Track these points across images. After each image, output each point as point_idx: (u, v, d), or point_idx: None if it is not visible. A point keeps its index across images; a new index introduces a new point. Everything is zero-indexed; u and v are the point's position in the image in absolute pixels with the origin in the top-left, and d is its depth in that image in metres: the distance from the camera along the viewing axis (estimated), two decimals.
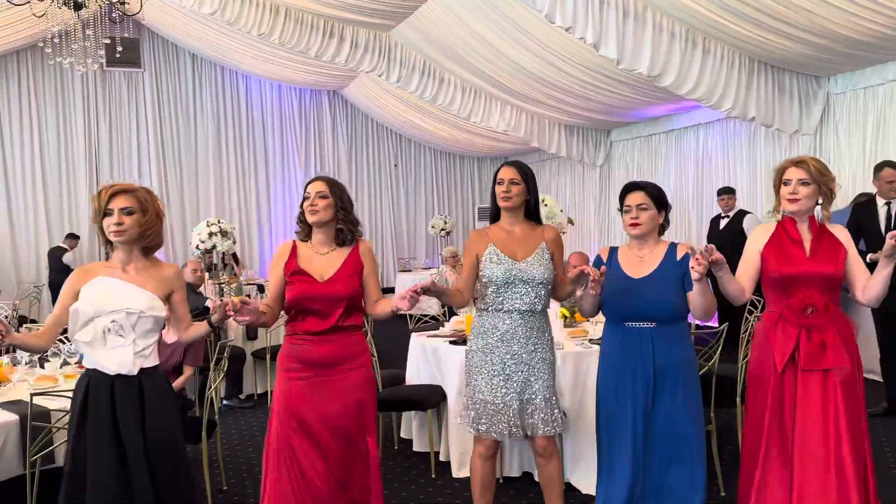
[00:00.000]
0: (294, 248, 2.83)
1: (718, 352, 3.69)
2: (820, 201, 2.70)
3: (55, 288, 9.10)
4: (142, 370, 2.54)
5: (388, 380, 4.55)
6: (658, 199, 2.80)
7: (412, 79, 9.22)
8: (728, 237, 6.87)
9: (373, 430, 2.84)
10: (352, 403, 2.76)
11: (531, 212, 3.00)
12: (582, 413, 3.74)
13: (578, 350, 3.86)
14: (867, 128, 6.88)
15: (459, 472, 4.04)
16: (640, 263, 2.81)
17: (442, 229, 12.24)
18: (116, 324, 2.47)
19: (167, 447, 2.54)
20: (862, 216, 4.84)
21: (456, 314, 5.05)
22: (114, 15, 5.72)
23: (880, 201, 4.84)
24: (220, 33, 9.74)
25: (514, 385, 2.86)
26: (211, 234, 6.64)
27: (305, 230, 2.85)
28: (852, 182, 6.99)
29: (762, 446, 2.64)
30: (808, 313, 2.58)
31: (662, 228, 2.86)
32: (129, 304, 2.49)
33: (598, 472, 2.91)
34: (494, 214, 3.02)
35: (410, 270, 11.52)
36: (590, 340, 4.05)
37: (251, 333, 6.19)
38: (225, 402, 5.80)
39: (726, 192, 7.32)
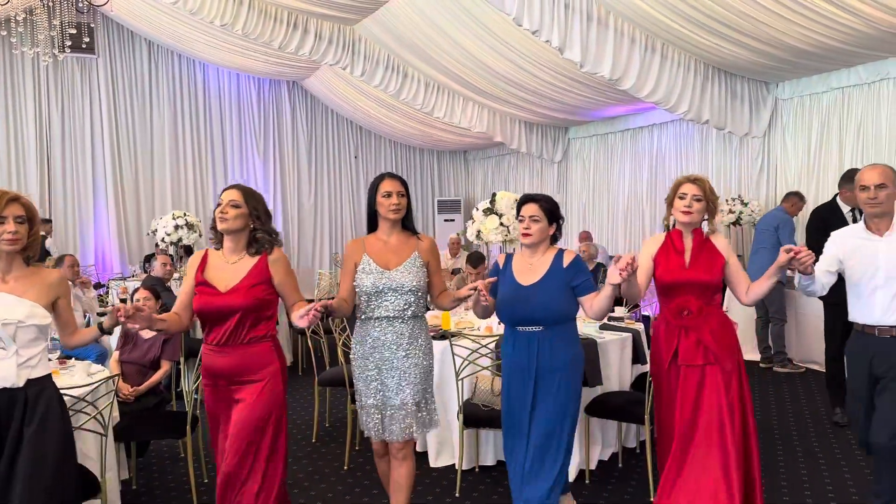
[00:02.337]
0: (205, 258, 2.83)
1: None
2: (705, 217, 3.06)
3: None
4: (29, 381, 2.48)
5: None
6: (550, 212, 3.07)
7: (376, 73, 9.28)
8: None
9: (264, 448, 2.73)
10: (256, 418, 2.71)
11: (407, 222, 3.10)
12: None
13: None
14: (812, 132, 7.30)
15: (437, 461, 4.22)
16: (530, 271, 3.05)
17: None
18: None
19: (47, 461, 2.46)
20: (830, 219, 4.77)
21: (430, 309, 5.20)
22: (80, 5, 5.61)
23: (845, 207, 4.89)
24: (178, 21, 9.58)
25: (388, 390, 2.98)
26: (177, 227, 6.62)
27: (218, 237, 2.85)
28: (797, 183, 7.42)
29: (663, 435, 2.99)
30: (684, 315, 2.91)
31: (554, 238, 3.13)
32: (5, 316, 2.43)
33: (507, 462, 3.16)
34: (372, 224, 3.10)
35: None
36: None
37: None
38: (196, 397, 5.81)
39: None
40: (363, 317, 3.02)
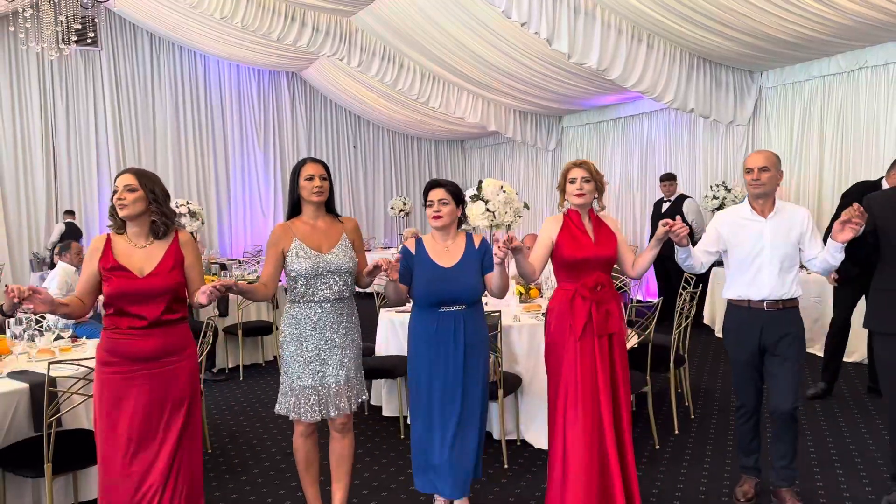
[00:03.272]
0: (108, 242, 2.78)
1: (654, 323, 4.19)
2: (596, 196, 3.25)
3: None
4: None
5: (366, 351, 4.94)
6: (456, 195, 3.22)
7: (372, 64, 9.50)
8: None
9: (196, 426, 2.80)
10: (175, 398, 2.76)
11: (331, 205, 3.16)
12: (535, 377, 4.20)
13: (532, 322, 4.32)
14: (794, 119, 7.52)
15: None
16: (447, 253, 3.17)
17: (401, 210, 12.60)
18: None
19: None
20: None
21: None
22: (84, 2, 5.84)
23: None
24: (179, 13, 9.80)
25: (331, 368, 3.04)
26: (180, 215, 6.86)
27: (119, 223, 2.80)
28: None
29: (560, 398, 3.13)
30: (598, 290, 3.11)
31: (460, 221, 3.30)
32: None
33: (412, 440, 3.24)
34: (294, 209, 3.13)
35: (370, 250, 11.85)
36: (542, 314, 4.51)
37: (221, 310, 6.47)
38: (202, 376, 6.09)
39: (668, 179, 7.88)
40: (300, 300, 3.04)
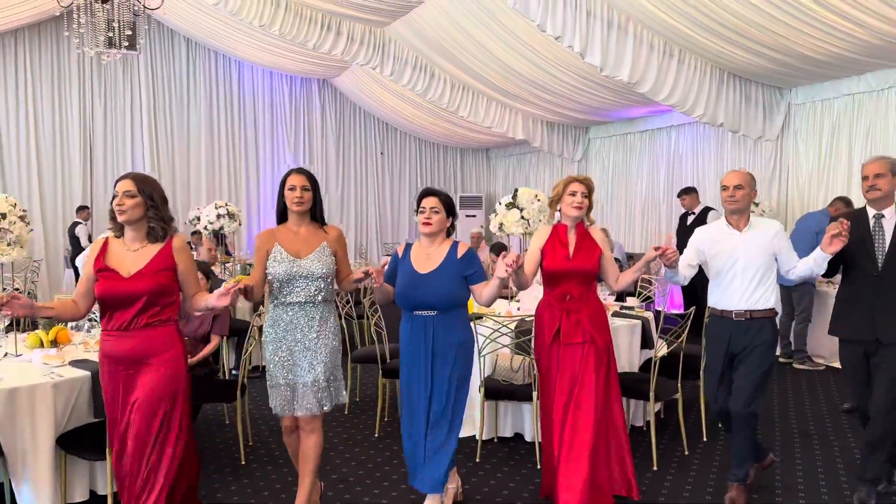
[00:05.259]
0: (105, 245, 2.87)
1: (685, 333, 4.29)
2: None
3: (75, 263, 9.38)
4: None
5: (393, 352, 5.09)
6: (448, 205, 3.36)
7: (404, 73, 9.69)
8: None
9: (173, 431, 2.81)
10: (154, 401, 2.77)
11: (316, 214, 3.27)
12: None
13: None
14: (823, 136, 7.59)
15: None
16: (428, 260, 3.29)
17: None
18: None
19: None
20: None
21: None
22: (136, 8, 6.08)
23: None
24: (217, 20, 10.07)
25: (300, 370, 3.16)
26: (219, 216, 7.08)
27: (118, 227, 2.87)
28: (808, 185, 7.72)
29: (546, 397, 3.40)
30: (567, 299, 3.31)
31: (449, 231, 3.44)
32: None
33: (403, 438, 3.40)
34: (282, 216, 3.28)
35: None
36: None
37: (257, 308, 6.65)
38: (234, 371, 6.27)
39: (685, 193, 7.96)
40: (276, 302, 3.19)
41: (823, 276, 3.52)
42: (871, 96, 7.04)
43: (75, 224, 10.05)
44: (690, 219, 7.94)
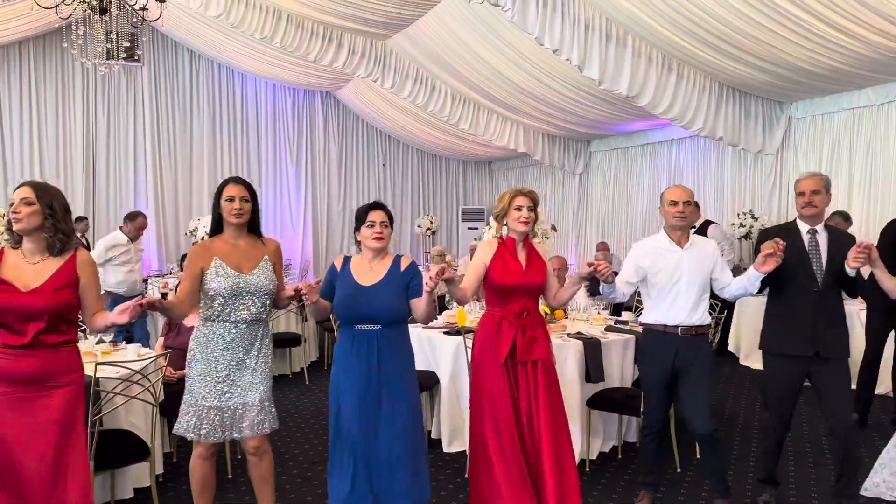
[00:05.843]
0: (1, 256, 2.67)
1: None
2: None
3: None
4: None
5: None
6: (392, 218, 3.23)
7: (405, 85, 9.71)
8: None
9: (75, 455, 2.62)
10: (53, 422, 2.59)
11: (254, 226, 3.13)
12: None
13: (557, 343, 4.38)
14: (823, 150, 7.55)
15: (450, 446, 4.57)
16: (370, 273, 3.12)
17: (428, 229, 12.76)
18: None
19: None
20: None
21: (448, 308, 5.57)
22: (134, 20, 6.11)
23: None
24: (220, 32, 10.12)
25: (239, 389, 3.00)
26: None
27: (15, 237, 2.68)
28: None
29: (483, 420, 3.20)
30: (524, 316, 3.22)
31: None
32: None
33: (329, 465, 3.13)
34: (216, 228, 3.12)
35: None
36: (567, 334, 4.59)
37: None
38: None
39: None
40: (215, 319, 3.01)
41: (756, 293, 3.53)
42: (871, 110, 7.00)
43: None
44: (691, 232, 7.87)
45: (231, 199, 3.03)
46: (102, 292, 6.09)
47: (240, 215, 3.04)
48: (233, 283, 2.99)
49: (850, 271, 3.24)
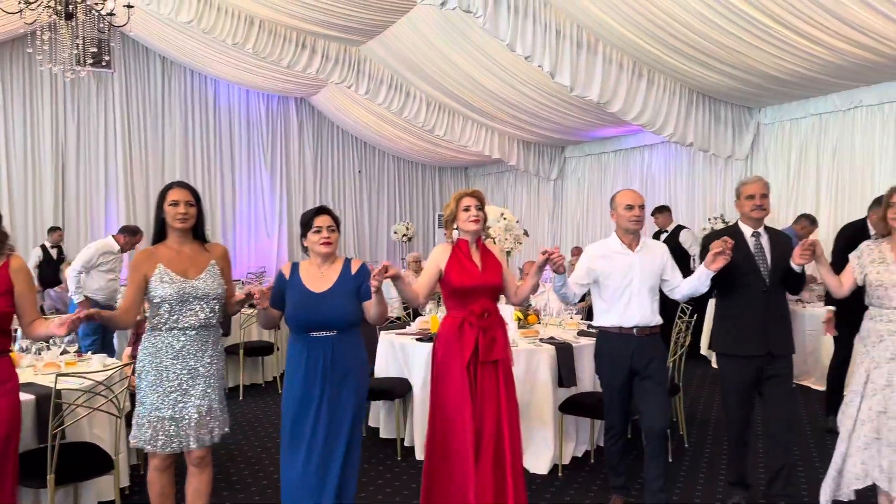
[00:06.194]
0: None
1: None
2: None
3: (44, 283, 9.14)
4: None
5: None
6: (338, 222, 3.21)
7: (380, 92, 9.70)
8: None
9: (8, 469, 2.60)
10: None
11: (198, 231, 3.06)
12: (532, 402, 4.28)
13: (530, 348, 4.40)
14: (791, 155, 7.66)
15: (423, 454, 4.53)
16: (321, 278, 3.07)
17: (404, 235, 12.74)
18: None
19: None
20: (859, 237, 4.48)
21: (421, 314, 5.55)
22: (101, 26, 6.03)
23: (872, 229, 4.72)
24: (192, 38, 10.04)
25: (193, 399, 2.94)
26: None
27: None
28: (777, 203, 7.74)
29: (445, 422, 3.21)
30: (485, 317, 3.24)
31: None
32: None
33: (281, 463, 3.09)
34: (159, 233, 3.04)
35: None
36: (540, 339, 4.60)
37: (225, 330, 6.56)
38: None
39: (658, 212, 7.99)
40: (162, 327, 2.95)
41: (706, 294, 3.57)
42: (837, 116, 7.13)
43: (46, 252, 9.75)
44: (663, 237, 7.95)
45: (175, 204, 2.95)
46: (82, 298, 6.04)
47: (185, 220, 2.96)
48: (179, 289, 2.92)
49: (797, 268, 3.35)
